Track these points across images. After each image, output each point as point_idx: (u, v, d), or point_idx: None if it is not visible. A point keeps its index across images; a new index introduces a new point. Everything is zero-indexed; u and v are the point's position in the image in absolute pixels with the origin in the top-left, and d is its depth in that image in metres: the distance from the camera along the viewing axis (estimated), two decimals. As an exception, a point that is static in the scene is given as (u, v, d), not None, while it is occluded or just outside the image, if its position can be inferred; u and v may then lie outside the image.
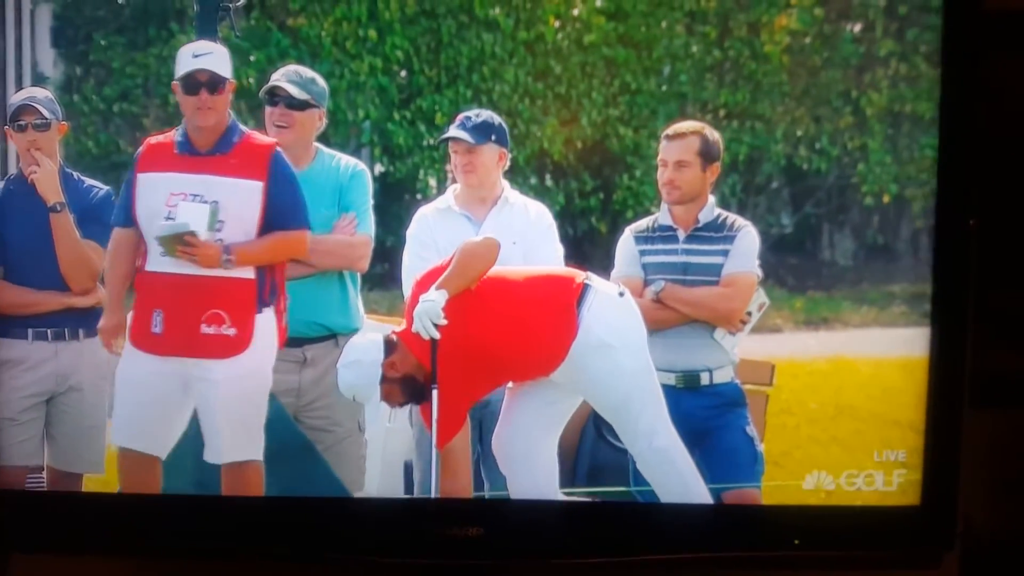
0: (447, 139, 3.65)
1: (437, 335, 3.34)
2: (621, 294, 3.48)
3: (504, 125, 3.67)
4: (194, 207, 3.39)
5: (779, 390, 3.83)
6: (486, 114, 3.65)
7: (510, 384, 3.53)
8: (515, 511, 3.55)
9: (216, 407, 3.46)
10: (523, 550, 3.53)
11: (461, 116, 3.64)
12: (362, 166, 3.72)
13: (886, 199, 4.02)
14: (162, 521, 3.50)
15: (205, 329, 3.41)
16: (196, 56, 3.42)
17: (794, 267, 3.79)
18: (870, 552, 3.58)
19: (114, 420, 3.53)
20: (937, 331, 3.48)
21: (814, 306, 4.22)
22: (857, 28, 3.89)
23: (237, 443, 3.47)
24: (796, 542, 3.48)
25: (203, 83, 3.42)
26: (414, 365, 3.40)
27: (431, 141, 4.09)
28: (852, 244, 4.21)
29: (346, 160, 3.70)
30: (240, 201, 3.42)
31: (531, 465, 3.54)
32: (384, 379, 3.40)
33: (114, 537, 3.54)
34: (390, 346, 3.41)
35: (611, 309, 3.45)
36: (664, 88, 4.05)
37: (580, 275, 3.46)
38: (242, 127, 3.47)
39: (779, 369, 3.83)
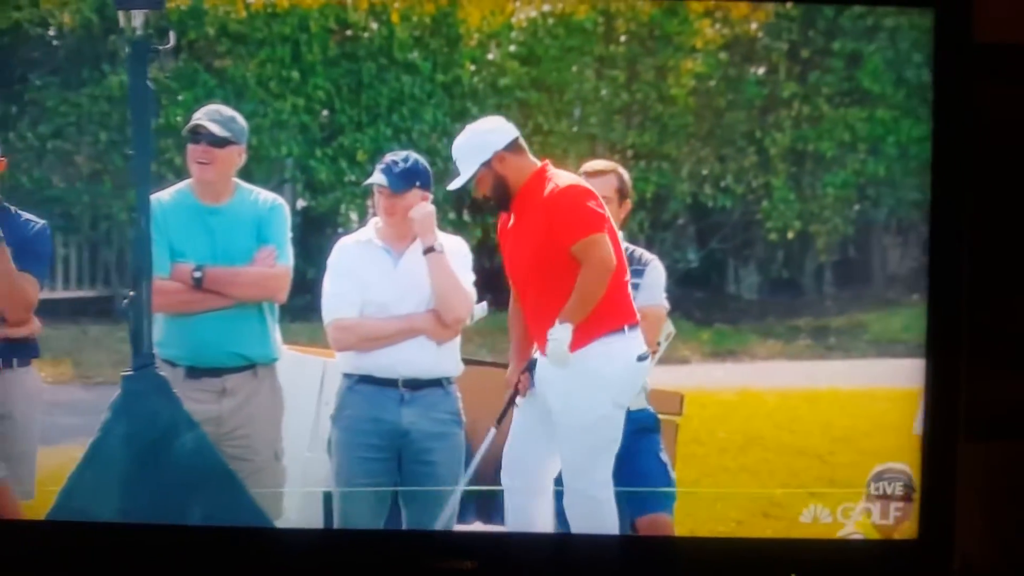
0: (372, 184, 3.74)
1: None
2: (641, 358, 3.58)
3: (429, 169, 3.72)
4: None
5: (689, 420, 3.90)
6: (413, 159, 3.70)
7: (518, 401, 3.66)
8: (512, 544, 3.62)
9: None
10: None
11: (388, 159, 3.70)
12: (280, 200, 3.79)
13: (790, 235, 4.17)
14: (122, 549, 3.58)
15: None
16: None
17: (701, 301, 3.86)
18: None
19: None
20: (932, 361, 3.53)
21: (721, 338, 4.32)
22: (761, 71, 4.03)
23: None
24: (792, 575, 3.54)
25: None
26: (518, 183, 3.56)
27: (352, 178, 4.16)
28: (757, 278, 4.34)
29: (264, 195, 3.77)
30: None
31: (528, 489, 3.62)
32: (489, 164, 3.54)
33: (35, 566, 3.58)
34: (515, 146, 3.56)
35: (621, 360, 3.55)
36: (575, 129, 4.15)
37: (633, 319, 3.57)
38: None
39: (688, 399, 3.89)
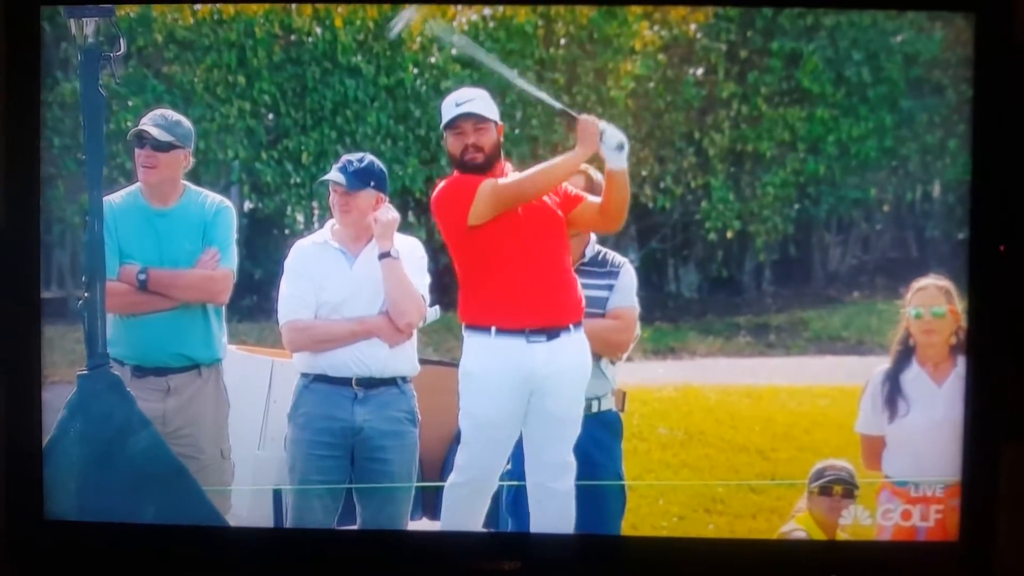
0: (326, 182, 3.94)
1: None
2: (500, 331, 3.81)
3: (384, 170, 3.93)
4: None
5: (630, 416, 4.10)
6: (368, 159, 3.93)
7: None
8: (555, 545, 3.84)
9: None
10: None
11: (345, 158, 3.92)
12: (227, 203, 4.02)
13: (729, 234, 4.49)
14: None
15: None
16: None
17: (641, 299, 4.03)
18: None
19: None
20: (972, 364, 3.72)
21: (661, 336, 4.64)
22: (699, 72, 4.34)
23: None
24: (832, 576, 3.72)
25: None
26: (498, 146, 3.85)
27: (297, 180, 4.44)
28: (697, 277, 4.65)
29: (212, 197, 4.01)
30: None
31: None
32: (497, 124, 3.83)
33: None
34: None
35: (471, 355, 3.85)
36: (517, 131, 4.43)
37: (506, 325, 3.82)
38: None
39: (629, 396, 4.08)
